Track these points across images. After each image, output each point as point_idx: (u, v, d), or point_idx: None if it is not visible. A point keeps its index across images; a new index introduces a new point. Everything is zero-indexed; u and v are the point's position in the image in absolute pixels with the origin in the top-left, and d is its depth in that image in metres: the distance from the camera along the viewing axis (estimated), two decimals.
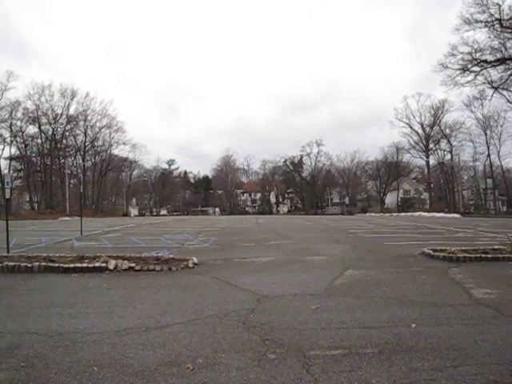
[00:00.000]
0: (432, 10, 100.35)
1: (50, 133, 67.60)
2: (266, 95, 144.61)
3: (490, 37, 38.42)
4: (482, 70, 40.87)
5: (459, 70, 40.74)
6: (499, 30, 37.49)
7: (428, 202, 76.64)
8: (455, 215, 50.63)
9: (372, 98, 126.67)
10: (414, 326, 4.57)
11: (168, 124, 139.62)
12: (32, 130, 66.36)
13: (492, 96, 48.49)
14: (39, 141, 67.58)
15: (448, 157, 71.89)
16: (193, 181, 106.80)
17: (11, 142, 63.01)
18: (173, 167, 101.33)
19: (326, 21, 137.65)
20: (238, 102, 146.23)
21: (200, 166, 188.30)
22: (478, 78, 41.85)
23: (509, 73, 40.60)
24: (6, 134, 61.81)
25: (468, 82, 41.84)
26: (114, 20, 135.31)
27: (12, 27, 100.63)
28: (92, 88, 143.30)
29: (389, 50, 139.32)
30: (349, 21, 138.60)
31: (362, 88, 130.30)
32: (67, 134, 70.37)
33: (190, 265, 8.64)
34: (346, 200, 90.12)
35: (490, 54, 39.87)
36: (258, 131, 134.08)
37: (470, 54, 39.93)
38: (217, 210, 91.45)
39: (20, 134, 64.44)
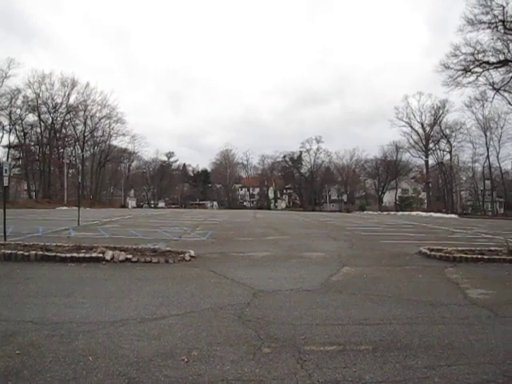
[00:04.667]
0: (451, 3, 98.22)
1: (50, 122, 67.44)
2: (274, 88, 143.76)
3: (492, 38, 38.45)
4: (483, 71, 40.90)
5: (461, 70, 40.74)
6: (502, 31, 37.49)
7: (426, 201, 76.71)
8: (453, 215, 50.76)
9: (383, 95, 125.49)
10: (408, 324, 4.58)
11: (171, 115, 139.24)
12: (31, 118, 66.21)
13: (493, 98, 48.58)
14: (38, 129, 67.40)
15: (447, 157, 72.07)
16: (191, 174, 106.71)
17: (10, 129, 62.84)
18: (172, 160, 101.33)
19: (336, 15, 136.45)
20: (243, 94, 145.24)
21: (202, 158, 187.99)
22: (480, 79, 41.91)
23: (511, 75, 40.64)
24: (5, 122, 61.63)
25: (469, 82, 41.91)
26: (117, 7, 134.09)
27: (15, 10, 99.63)
28: (94, 76, 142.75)
29: (404, 44, 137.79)
30: (362, 13, 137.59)
31: (372, 84, 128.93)
32: (67, 123, 70.28)
33: (187, 258, 8.64)
34: (344, 197, 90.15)
35: (493, 55, 39.89)
36: (264, 124, 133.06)
37: (472, 54, 39.95)
38: (215, 203, 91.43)
39: (19, 122, 64.22)
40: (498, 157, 63.53)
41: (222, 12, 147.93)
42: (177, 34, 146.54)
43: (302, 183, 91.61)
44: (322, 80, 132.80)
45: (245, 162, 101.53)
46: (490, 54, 39.75)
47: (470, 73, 40.82)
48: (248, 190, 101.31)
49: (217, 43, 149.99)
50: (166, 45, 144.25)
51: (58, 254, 8.17)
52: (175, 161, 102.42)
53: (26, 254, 8.15)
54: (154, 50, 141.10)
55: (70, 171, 68.97)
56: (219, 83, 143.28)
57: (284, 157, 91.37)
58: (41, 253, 8.23)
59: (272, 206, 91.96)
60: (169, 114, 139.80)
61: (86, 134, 72.06)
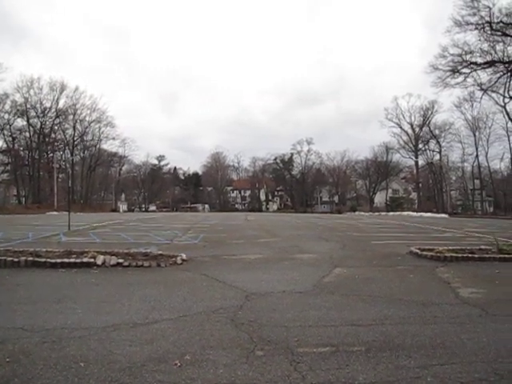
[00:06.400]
0: (447, 3, 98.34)
1: (39, 126, 66.89)
2: (272, 88, 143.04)
3: (480, 39, 38.84)
4: (471, 71, 41.32)
5: (449, 71, 41.11)
6: (489, 32, 37.89)
7: (416, 201, 77.25)
8: (443, 215, 51.21)
9: (379, 96, 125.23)
10: (401, 324, 4.60)
11: (163, 117, 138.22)
12: (20, 123, 65.76)
13: (481, 98, 49.16)
14: (27, 134, 66.87)
15: (437, 157, 72.67)
16: (182, 177, 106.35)
17: None
18: (162, 163, 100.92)
19: (336, 15, 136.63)
20: (240, 95, 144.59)
21: (194, 161, 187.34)
22: (468, 79, 42.32)
23: (498, 75, 41.11)
24: None
25: (458, 83, 42.29)
26: (112, 7, 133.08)
27: (3, 9, 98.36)
28: (85, 79, 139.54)
29: (402, 45, 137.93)
30: (362, 13, 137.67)
31: (370, 85, 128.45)
32: (56, 127, 69.80)
33: (179, 261, 8.61)
34: (336, 199, 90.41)
35: (480, 56, 40.30)
36: (259, 126, 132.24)
37: (460, 55, 40.31)
38: (206, 206, 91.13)
39: (8, 126, 63.68)
40: (486, 156, 64.23)
41: (222, 12, 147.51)
42: (169, 37, 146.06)
43: (293, 185, 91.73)
44: (320, 80, 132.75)
45: (236, 165, 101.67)
46: (478, 54, 40.18)
47: (458, 73, 41.20)
48: (239, 193, 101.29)
49: (209, 46, 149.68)
50: (158, 47, 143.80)
51: (49, 260, 8.09)
52: (166, 164, 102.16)
53: (16, 260, 8.06)
54: (146, 53, 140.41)
55: (60, 176, 68.41)
56: (214, 85, 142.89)
57: (275, 159, 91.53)
58: (31, 259, 8.15)
59: (263, 208, 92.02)
60: (161, 116, 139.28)
61: (75, 139, 71.68)
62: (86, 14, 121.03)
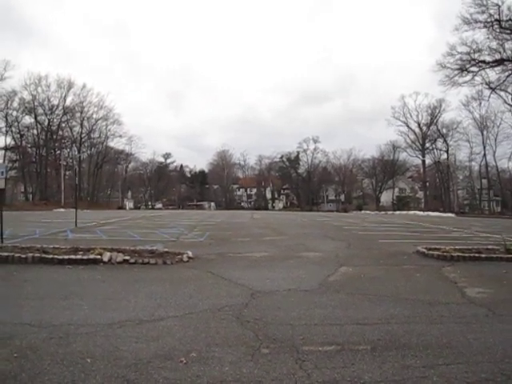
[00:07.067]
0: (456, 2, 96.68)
1: (46, 124, 67.16)
2: (275, 87, 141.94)
3: (488, 37, 38.39)
4: (480, 70, 40.88)
5: (457, 69, 40.73)
6: (498, 30, 37.45)
7: (423, 201, 76.85)
8: (450, 214, 50.89)
9: (386, 93, 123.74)
10: (407, 323, 4.59)
11: (170, 115, 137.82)
12: (28, 120, 66.02)
13: (489, 96, 48.61)
14: (35, 131, 67.19)
15: (444, 156, 72.20)
16: (189, 175, 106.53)
17: (6, 132, 62.56)
18: (169, 161, 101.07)
19: (337, 14, 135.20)
20: (243, 94, 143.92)
21: (201, 159, 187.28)
22: (476, 78, 41.85)
23: (506, 74, 40.63)
24: (2, 124, 61.45)
25: (466, 82, 41.82)
26: (117, 6, 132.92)
27: (12, 7, 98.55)
28: (92, 76, 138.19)
29: (410, 42, 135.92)
30: (365, 10, 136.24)
31: (376, 82, 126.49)
32: (63, 125, 70.02)
33: (185, 259, 8.63)
34: (342, 197, 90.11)
35: (489, 54, 39.87)
36: (264, 123, 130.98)
37: (468, 54, 39.89)
38: (212, 204, 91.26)
39: (16, 124, 64.05)
40: (494, 155, 63.64)
41: (223, 11, 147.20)
42: (176, 34, 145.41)
43: (299, 183, 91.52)
44: (324, 78, 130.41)
45: (242, 163, 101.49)
46: (486, 53, 39.75)
47: (466, 72, 40.78)
48: (245, 191, 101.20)
49: (216, 43, 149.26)
50: (165, 44, 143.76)
51: (56, 256, 8.14)
52: (172, 162, 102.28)
53: (23, 256, 8.12)
54: (153, 50, 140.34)
55: (67, 173, 68.75)
56: (219, 83, 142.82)
57: (281, 157, 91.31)
58: (38, 255, 8.20)
59: (269, 206, 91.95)
60: (167, 114, 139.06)
61: (82, 136, 71.88)
62: (87, 14, 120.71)
